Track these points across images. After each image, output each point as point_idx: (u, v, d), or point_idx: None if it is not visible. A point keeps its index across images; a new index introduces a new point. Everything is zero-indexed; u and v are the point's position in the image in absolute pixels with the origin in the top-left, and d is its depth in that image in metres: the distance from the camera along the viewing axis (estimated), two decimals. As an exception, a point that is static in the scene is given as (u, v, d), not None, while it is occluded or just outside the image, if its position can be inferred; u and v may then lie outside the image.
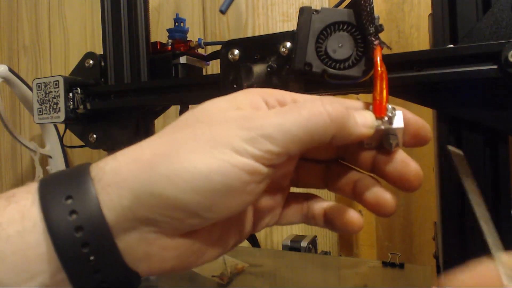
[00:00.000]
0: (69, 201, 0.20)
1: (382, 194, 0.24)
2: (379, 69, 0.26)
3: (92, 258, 0.19)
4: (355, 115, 0.22)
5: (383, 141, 0.24)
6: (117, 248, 0.20)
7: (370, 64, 0.30)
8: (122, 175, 0.20)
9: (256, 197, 0.22)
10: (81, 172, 0.21)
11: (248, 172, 0.20)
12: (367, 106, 0.25)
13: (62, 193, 0.20)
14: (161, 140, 0.21)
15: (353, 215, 0.25)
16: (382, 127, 0.23)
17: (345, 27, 0.32)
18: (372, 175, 0.25)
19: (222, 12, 0.35)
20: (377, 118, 0.23)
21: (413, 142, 0.24)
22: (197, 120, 0.22)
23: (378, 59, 0.26)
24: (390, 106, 0.24)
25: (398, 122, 0.23)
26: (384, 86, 0.24)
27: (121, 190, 0.20)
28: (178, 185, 0.19)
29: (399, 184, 0.24)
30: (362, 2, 0.29)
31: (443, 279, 0.19)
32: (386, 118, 0.23)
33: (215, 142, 0.20)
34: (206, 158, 0.19)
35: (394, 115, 0.23)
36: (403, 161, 0.24)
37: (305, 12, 0.33)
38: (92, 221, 0.19)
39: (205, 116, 0.22)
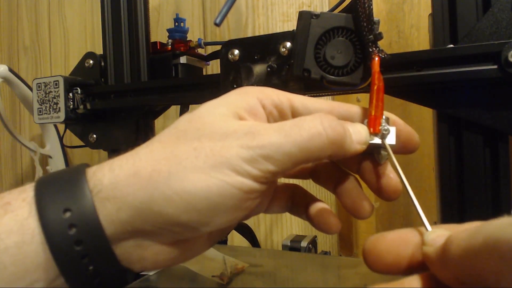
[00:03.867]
0: (68, 214, 0.20)
1: (359, 201, 0.25)
2: (376, 83, 0.25)
3: (91, 268, 0.20)
4: (351, 132, 0.23)
5: (373, 153, 0.24)
6: (115, 256, 0.21)
7: (368, 71, 0.30)
8: (121, 190, 0.20)
9: (251, 211, 0.22)
10: (78, 181, 0.21)
11: (246, 192, 0.20)
12: (364, 112, 0.25)
13: (60, 205, 0.20)
14: (160, 152, 0.21)
15: (332, 220, 0.25)
16: (375, 142, 0.24)
17: (344, 33, 0.32)
18: (355, 176, 0.26)
19: (217, 24, 0.35)
20: (371, 133, 0.24)
21: (402, 150, 0.25)
22: (197, 131, 0.21)
23: (376, 72, 0.26)
24: (384, 121, 0.24)
25: (390, 138, 0.24)
26: (380, 101, 0.25)
27: (120, 204, 0.20)
28: (178, 204, 0.20)
29: (378, 193, 0.25)
30: (360, 7, 0.29)
31: (370, 239, 0.20)
32: (379, 134, 0.24)
33: (215, 161, 0.20)
34: (206, 178, 0.20)
35: (388, 132, 0.24)
36: (387, 175, 0.24)
37: (304, 17, 0.33)
38: (91, 235, 0.20)
39: (205, 128, 0.21)
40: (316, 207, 0.26)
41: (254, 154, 0.20)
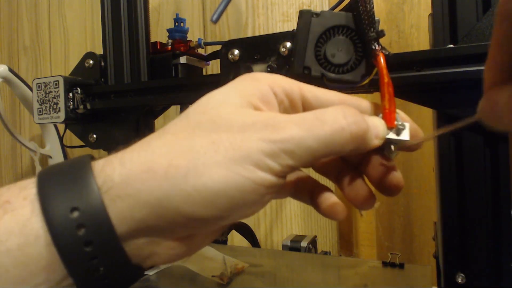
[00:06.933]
0: (75, 214, 0.18)
1: (363, 192, 0.24)
2: (386, 78, 0.25)
3: (101, 268, 0.19)
4: (370, 126, 0.22)
5: (384, 148, 0.24)
6: (127, 255, 0.20)
7: (369, 69, 0.30)
8: (134, 187, 0.19)
9: (267, 203, 0.22)
10: (85, 177, 0.19)
11: (267, 187, 0.20)
12: (374, 108, 0.25)
13: (66, 204, 0.19)
14: (175, 146, 0.20)
15: (338, 207, 0.24)
16: (390, 136, 0.23)
17: (344, 31, 0.32)
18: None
19: (214, 21, 0.35)
20: (387, 128, 0.23)
21: (408, 148, 0.25)
22: (212, 123, 0.20)
23: (384, 68, 0.26)
24: (398, 116, 0.24)
25: (405, 134, 0.23)
26: (392, 96, 0.24)
27: (134, 202, 0.19)
28: (196, 201, 0.19)
29: (380, 187, 0.24)
30: (361, 6, 0.29)
31: None
32: (394, 128, 0.23)
33: (236, 155, 0.19)
34: (227, 173, 0.19)
35: (404, 127, 0.23)
36: (390, 171, 0.24)
37: (304, 16, 0.33)
38: (101, 235, 0.19)
39: (221, 120, 0.20)
40: (321, 192, 0.25)
41: (275, 148, 0.19)
